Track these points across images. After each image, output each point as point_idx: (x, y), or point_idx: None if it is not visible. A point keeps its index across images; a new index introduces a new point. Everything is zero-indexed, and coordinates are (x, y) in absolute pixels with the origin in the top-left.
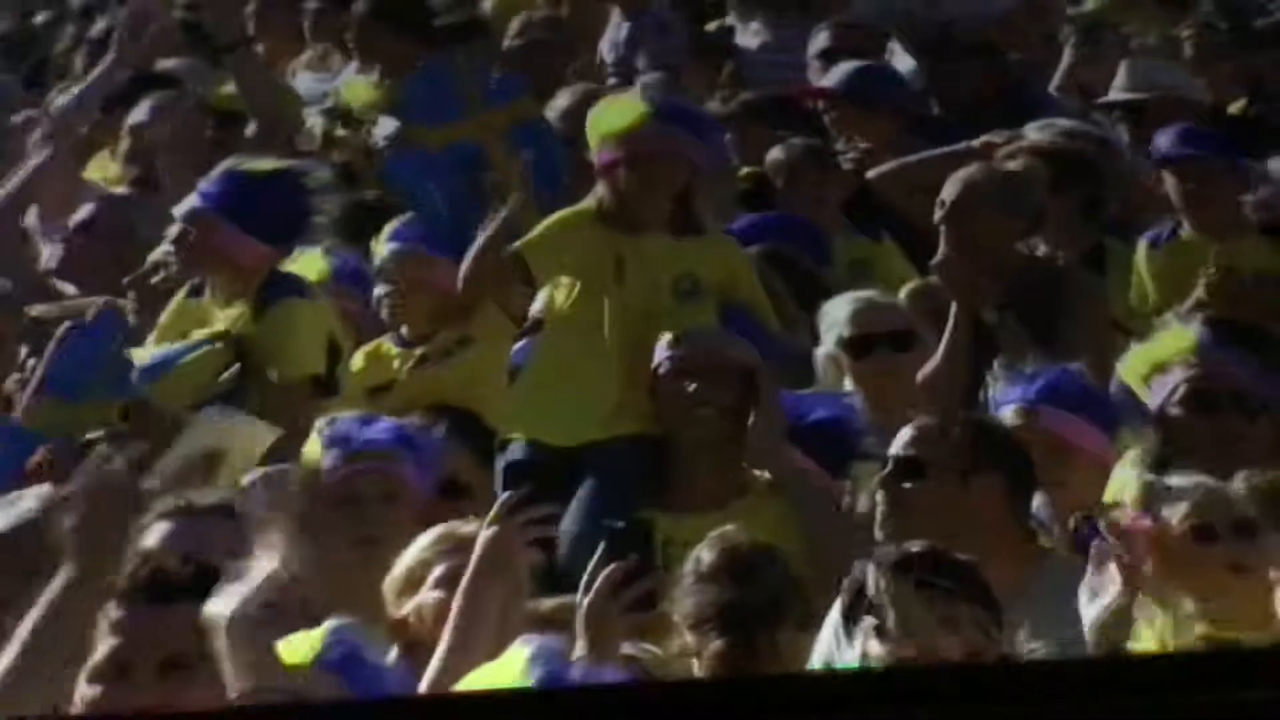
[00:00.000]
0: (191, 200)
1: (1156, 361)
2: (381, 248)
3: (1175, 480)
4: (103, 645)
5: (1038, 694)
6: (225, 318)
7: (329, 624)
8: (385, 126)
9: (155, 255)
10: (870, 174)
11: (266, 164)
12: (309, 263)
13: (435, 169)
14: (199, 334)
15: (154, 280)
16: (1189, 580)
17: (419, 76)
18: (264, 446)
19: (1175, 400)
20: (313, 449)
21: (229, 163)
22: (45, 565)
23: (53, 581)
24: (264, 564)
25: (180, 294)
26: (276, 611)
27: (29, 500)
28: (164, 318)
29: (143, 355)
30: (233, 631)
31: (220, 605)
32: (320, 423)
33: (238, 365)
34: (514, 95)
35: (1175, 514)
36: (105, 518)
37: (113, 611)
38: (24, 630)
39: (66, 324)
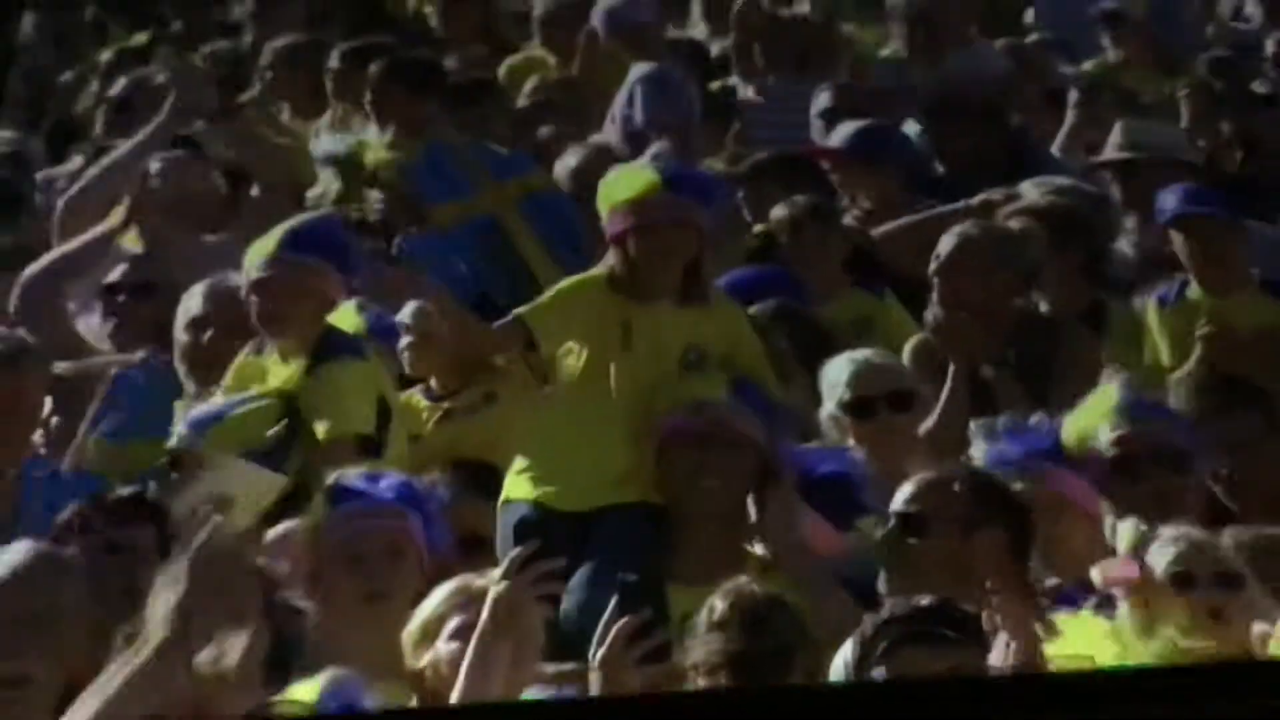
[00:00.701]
0: (257, 262)
1: (1083, 428)
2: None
3: (1166, 530)
4: None
5: (1026, 706)
6: (282, 374)
7: (327, 673)
8: (373, 199)
9: (192, 312)
10: (875, 232)
11: (307, 215)
12: (344, 317)
13: (453, 244)
14: (254, 389)
15: (204, 340)
16: (1169, 625)
17: (421, 160)
18: (272, 496)
19: (1104, 468)
20: (318, 506)
21: (278, 228)
22: (40, 616)
23: (139, 647)
24: None
25: (244, 351)
26: None
27: (14, 554)
28: (228, 376)
29: (196, 408)
30: None
31: None
32: (326, 480)
33: (284, 422)
34: (521, 169)
35: (1159, 561)
36: (213, 589)
37: None
38: (107, 690)
39: (114, 370)
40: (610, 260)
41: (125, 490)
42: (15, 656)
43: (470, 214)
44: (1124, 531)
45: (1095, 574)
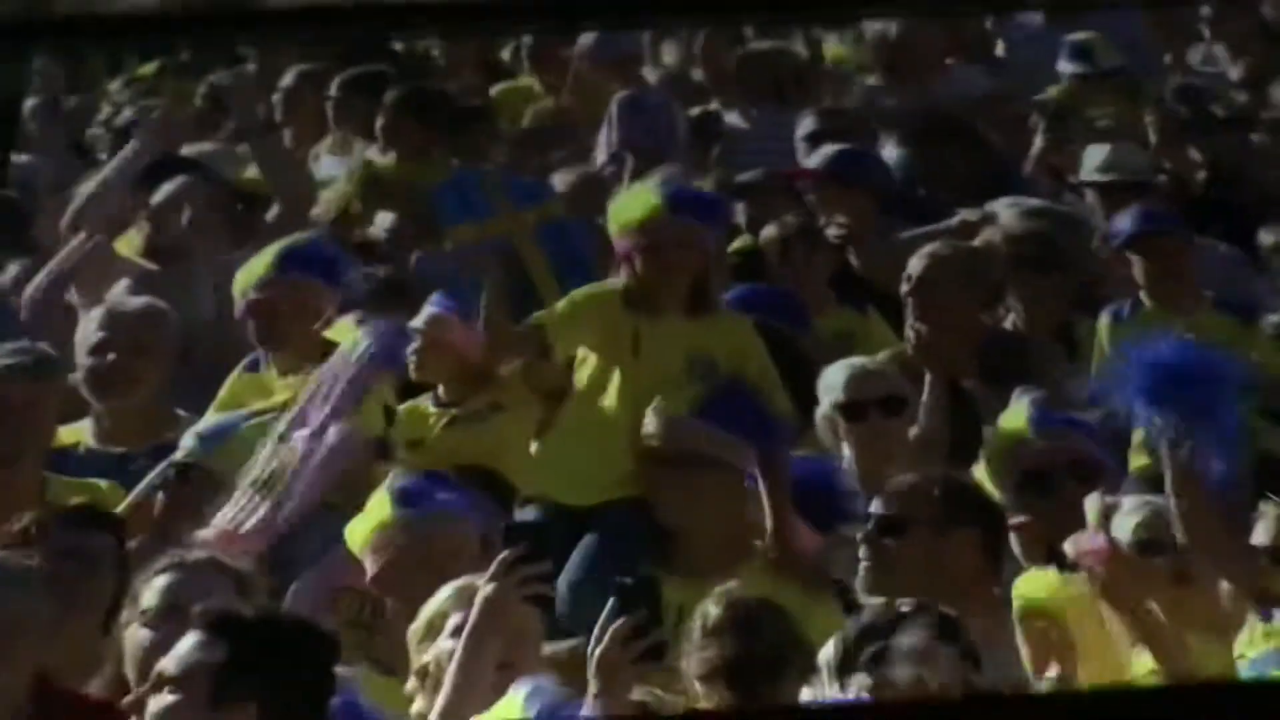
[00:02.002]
0: (251, 285)
1: (1000, 445)
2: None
3: (1128, 501)
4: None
5: None
6: (285, 387)
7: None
8: (383, 220)
9: (91, 339)
10: (861, 251)
11: (294, 237)
12: (342, 331)
13: (465, 263)
14: (258, 404)
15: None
16: (1139, 590)
17: (449, 184)
18: None
19: (1013, 487)
20: (382, 507)
21: (266, 251)
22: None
23: None
24: None
25: (237, 369)
26: None
27: None
28: (223, 392)
29: (202, 422)
30: None
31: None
32: (388, 481)
33: None
34: (541, 198)
35: (1125, 531)
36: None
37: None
38: None
39: None
40: (622, 276)
41: (80, 500)
42: None
43: (485, 235)
44: (1090, 506)
45: (1067, 548)
